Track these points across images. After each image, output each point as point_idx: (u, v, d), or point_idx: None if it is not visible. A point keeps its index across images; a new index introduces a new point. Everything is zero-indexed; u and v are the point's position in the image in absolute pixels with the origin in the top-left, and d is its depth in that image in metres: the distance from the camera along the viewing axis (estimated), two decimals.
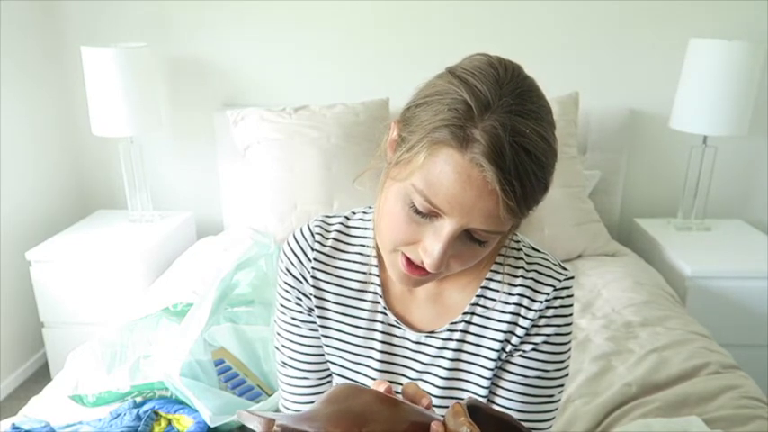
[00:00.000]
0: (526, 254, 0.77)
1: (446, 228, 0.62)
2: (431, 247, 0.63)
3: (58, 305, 2.04)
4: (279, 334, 0.84)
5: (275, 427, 0.47)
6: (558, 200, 1.93)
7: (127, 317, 1.58)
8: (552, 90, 2.11)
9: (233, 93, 2.29)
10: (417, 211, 0.63)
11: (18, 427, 1.17)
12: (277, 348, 0.85)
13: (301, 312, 0.81)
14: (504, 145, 0.57)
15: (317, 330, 0.81)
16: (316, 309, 0.80)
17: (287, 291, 0.81)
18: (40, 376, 2.22)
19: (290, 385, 0.84)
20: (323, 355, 0.83)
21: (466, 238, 0.64)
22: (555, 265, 0.76)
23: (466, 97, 0.60)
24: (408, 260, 0.67)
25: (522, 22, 2.15)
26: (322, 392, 0.83)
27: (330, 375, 0.85)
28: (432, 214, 0.63)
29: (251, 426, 0.49)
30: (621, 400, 1.29)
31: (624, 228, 2.37)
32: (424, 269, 0.66)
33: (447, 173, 0.59)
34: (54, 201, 2.31)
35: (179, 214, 2.34)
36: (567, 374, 0.78)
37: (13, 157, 2.09)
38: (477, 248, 0.65)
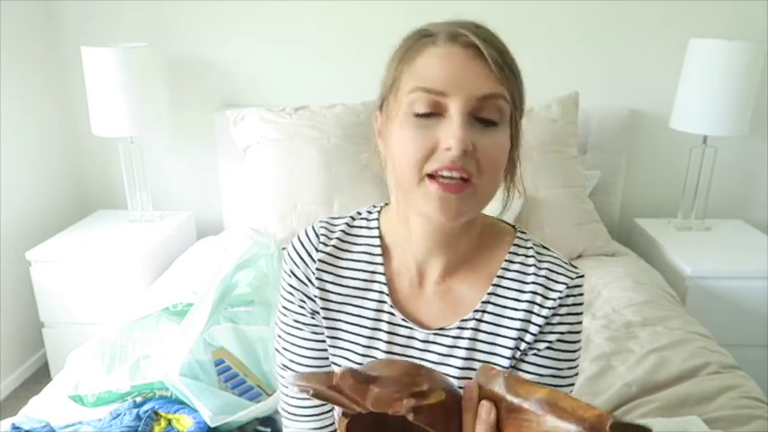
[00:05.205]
0: (537, 251, 0.77)
1: (453, 110, 0.65)
2: (450, 132, 0.64)
3: (58, 305, 2.04)
4: (280, 336, 0.84)
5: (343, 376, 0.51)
6: (558, 200, 1.93)
7: (127, 317, 1.58)
8: (552, 90, 2.12)
9: (233, 93, 2.29)
10: (423, 115, 0.66)
11: (18, 427, 1.17)
12: (278, 351, 0.85)
13: (304, 315, 0.81)
14: (467, 26, 0.68)
15: (319, 334, 0.81)
16: (321, 311, 0.79)
17: (290, 293, 0.81)
18: (40, 376, 2.22)
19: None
20: (324, 358, 0.82)
21: (478, 125, 0.66)
22: (565, 263, 0.76)
23: (418, 29, 0.70)
24: (440, 182, 0.65)
25: (522, 22, 2.15)
26: None
27: None
28: (437, 109, 0.65)
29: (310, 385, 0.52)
30: (621, 400, 1.29)
31: (624, 228, 2.37)
32: (457, 185, 0.65)
33: (432, 60, 0.66)
34: (54, 201, 2.31)
35: (179, 214, 2.34)
36: (577, 374, 0.78)
37: (13, 157, 2.09)
38: (495, 135, 0.67)
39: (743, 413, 1.23)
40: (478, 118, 0.66)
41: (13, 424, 1.19)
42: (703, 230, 2.19)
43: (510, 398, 0.53)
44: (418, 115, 0.66)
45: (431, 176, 0.66)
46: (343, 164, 1.96)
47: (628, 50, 2.18)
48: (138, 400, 1.24)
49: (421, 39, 0.69)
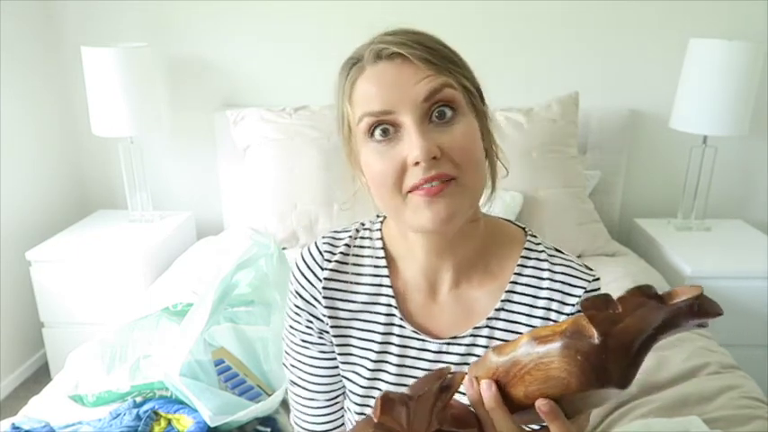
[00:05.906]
0: (549, 255, 0.76)
1: (406, 122, 0.64)
2: (412, 146, 0.64)
3: (58, 305, 2.04)
4: (288, 353, 0.84)
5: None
6: (558, 200, 1.93)
7: (127, 317, 1.58)
8: (552, 90, 2.12)
9: (233, 93, 2.29)
10: (382, 137, 0.66)
11: (18, 427, 1.17)
12: (285, 366, 0.85)
13: (311, 335, 0.80)
14: (387, 38, 0.68)
15: (327, 352, 0.81)
16: (331, 328, 0.79)
17: (297, 314, 0.80)
18: (40, 376, 2.22)
19: (300, 405, 0.84)
20: (333, 376, 0.82)
21: (436, 123, 0.65)
22: (580, 266, 0.75)
23: (348, 57, 0.71)
24: (423, 188, 0.64)
25: (522, 22, 2.15)
26: (330, 413, 0.83)
27: (339, 396, 0.84)
28: (391, 125, 0.65)
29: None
30: (621, 401, 1.29)
31: (624, 228, 2.37)
32: (438, 186, 0.63)
33: (366, 86, 0.67)
34: (54, 201, 2.31)
35: (179, 214, 2.34)
36: None
37: (13, 157, 2.09)
38: (457, 126, 0.66)
39: (743, 413, 1.23)
40: (433, 117, 0.66)
41: (13, 424, 1.19)
42: (703, 230, 2.19)
43: (503, 359, 0.55)
44: (376, 140, 0.66)
45: (412, 190, 0.65)
46: (343, 164, 1.95)
47: (628, 50, 2.18)
48: (138, 400, 1.24)
49: (352, 68, 0.70)
